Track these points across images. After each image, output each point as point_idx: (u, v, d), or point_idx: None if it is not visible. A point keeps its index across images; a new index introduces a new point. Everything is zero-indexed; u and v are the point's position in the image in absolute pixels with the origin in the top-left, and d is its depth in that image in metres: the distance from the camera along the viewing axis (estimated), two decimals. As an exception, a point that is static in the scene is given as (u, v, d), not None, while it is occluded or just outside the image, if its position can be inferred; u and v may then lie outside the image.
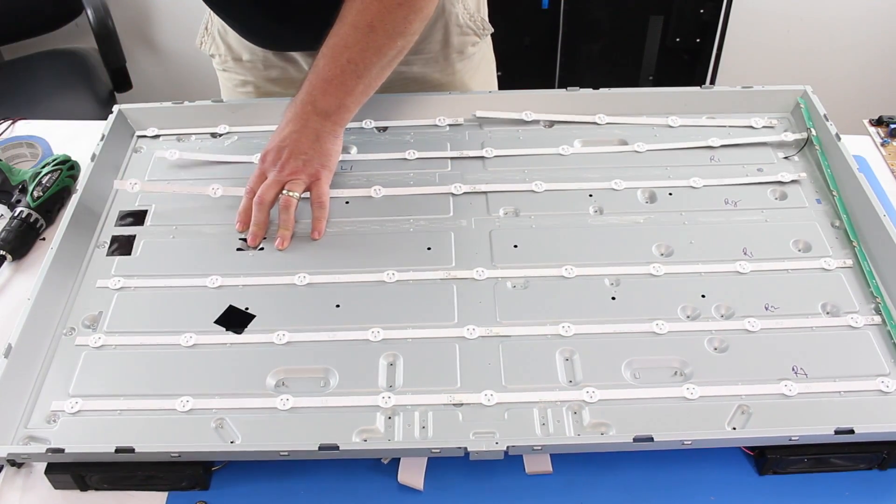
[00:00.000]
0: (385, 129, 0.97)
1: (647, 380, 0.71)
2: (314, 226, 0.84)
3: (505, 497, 0.67)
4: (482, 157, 0.92)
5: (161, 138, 0.97)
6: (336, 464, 0.69)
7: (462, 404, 0.69)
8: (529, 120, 0.96)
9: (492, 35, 1.08)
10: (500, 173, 0.90)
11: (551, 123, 0.97)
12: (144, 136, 0.98)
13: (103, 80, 1.83)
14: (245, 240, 0.84)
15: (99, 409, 0.70)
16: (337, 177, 0.89)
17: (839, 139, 0.88)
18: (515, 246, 0.82)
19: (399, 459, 0.68)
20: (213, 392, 0.71)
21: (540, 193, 0.88)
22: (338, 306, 0.77)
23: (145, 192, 0.89)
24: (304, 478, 0.68)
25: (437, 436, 0.67)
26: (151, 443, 0.66)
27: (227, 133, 0.97)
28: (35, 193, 0.91)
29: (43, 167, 0.94)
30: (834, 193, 0.86)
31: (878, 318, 0.75)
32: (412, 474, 0.67)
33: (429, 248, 0.83)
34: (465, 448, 0.64)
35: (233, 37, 1.03)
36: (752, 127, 0.95)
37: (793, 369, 0.71)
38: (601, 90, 0.97)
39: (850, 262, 0.80)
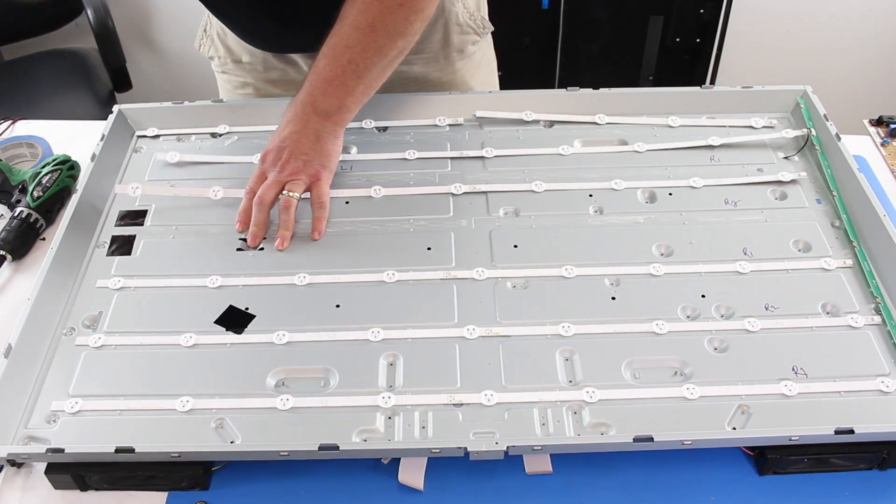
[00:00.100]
0: (385, 129, 0.97)
1: (647, 380, 0.71)
2: (314, 226, 0.84)
3: (505, 497, 0.67)
4: (482, 157, 0.92)
5: (161, 138, 0.97)
6: (336, 464, 0.69)
7: (462, 404, 0.69)
8: (529, 120, 0.96)
9: (492, 34, 1.08)
10: (500, 173, 0.90)
11: (551, 123, 0.97)
12: (144, 137, 0.98)
13: (103, 80, 1.83)
14: (245, 240, 0.84)
15: (99, 409, 0.70)
16: (337, 177, 0.89)
17: (839, 139, 0.88)
18: (515, 246, 0.82)
19: (399, 459, 0.68)
20: (213, 392, 0.71)
21: (540, 193, 0.88)
22: (338, 306, 0.77)
23: (145, 193, 0.89)
24: (304, 478, 0.68)
25: (437, 436, 0.67)
26: (151, 443, 0.66)
27: (227, 133, 0.97)
28: (35, 193, 0.91)
29: (43, 167, 0.94)
30: (834, 193, 0.86)
31: (878, 318, 0.75)
32: (412, 474, 0.67)
33: (429, 248, 0.83)
34: (465, 448, 0.64)
35: (232, 39, 1.03)
36: (752, 127, 0.95)
37: (793, 369, 0.71)
38: (601, 90, 0.97)
39: (850, 262, 0.80)
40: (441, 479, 0.68)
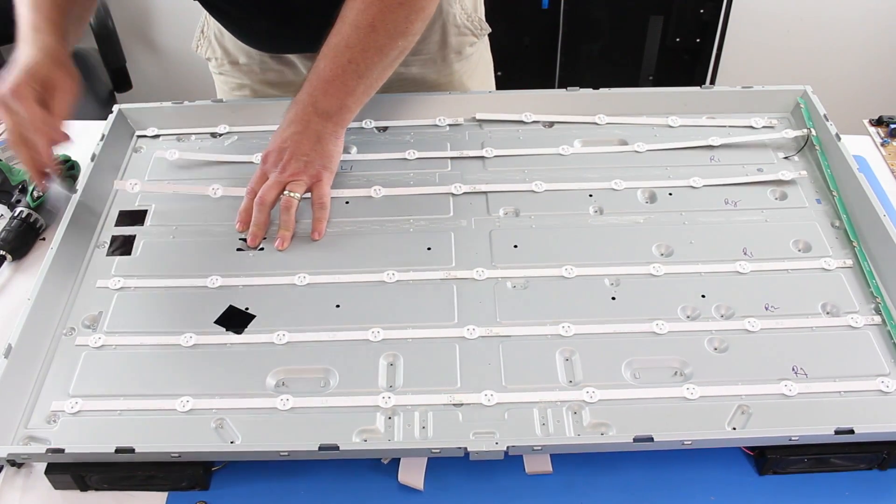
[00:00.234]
0: (385, 129, 0.97)
1: (647, 380, 0.71)
2: (315, 226, 0.84)
3: (505, 497, 0.67)
4: (482, 157, 0.92)
5: (161, 138, 0.97)
6: (336, 464, 0.69)
7: (462, 404, 0.69)
8: (529, 121, 0.96)
9: (492, 35, 1.08)
10: (500, 173, 0.90)
11: (551, 123, 0.97)
12: (144, 136, 0.98)
13: (103, 80, 1.83)
14: (245, 240, 0.84)
15: (99, 409, 0.70)
16: (337, 177, 0.89)
17: (839, 139, 0.88)
18: (515, 246, 0.82)
19: (399, 459, 0.68)
20: (213, 392, 0.71)
21: (540, 193, 0.88)
22: (338, 306, 0.77)
23: (145, 192, 0.89)
24: (304, 478, 0.68)
25: (437, 436, 0.67)
26: (151, 443, 0.66)
27: (227, 133, 0.97)
28: (35, 193, 0.91)
29: (43, 167, 0.94)
30: (834, 193, 0.86)
31: (878, 318, 0.75)
32: (412, 474, 0.67)
33: (429, 248, 0.83)
34: (465, 448, 0.64)
35: (229, 40, 1.03)
36: (752, 127, 0.95)
37: (793, 369, 0.71)
38: (601, 90, 0.97)
39: (850, 262, 0.80)
40: (441, 479, 0.68)
